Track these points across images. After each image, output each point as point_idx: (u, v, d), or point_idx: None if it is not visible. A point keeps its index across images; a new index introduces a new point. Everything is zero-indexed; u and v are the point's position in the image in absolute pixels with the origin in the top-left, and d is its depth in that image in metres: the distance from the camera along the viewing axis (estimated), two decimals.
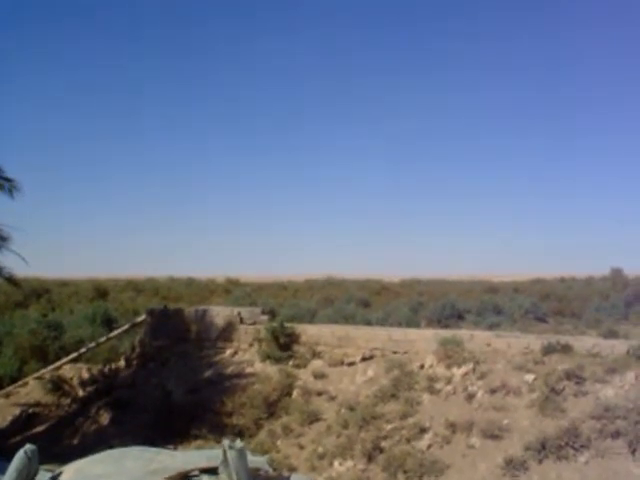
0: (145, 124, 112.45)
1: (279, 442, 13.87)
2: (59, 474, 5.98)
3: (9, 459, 5.92)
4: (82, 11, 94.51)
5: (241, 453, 5.52)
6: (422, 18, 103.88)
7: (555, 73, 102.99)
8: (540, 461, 10.87)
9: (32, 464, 5.79)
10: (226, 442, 5.60)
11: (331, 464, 12.56)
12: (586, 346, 13.64)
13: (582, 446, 10.76)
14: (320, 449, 13.07)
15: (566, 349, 13.43)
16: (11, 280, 15.36)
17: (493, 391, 12.81)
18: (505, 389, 12.72)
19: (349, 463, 12.34)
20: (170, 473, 5.57)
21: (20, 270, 15.49)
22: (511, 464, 10.88)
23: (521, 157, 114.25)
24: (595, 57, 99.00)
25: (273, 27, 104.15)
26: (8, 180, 14.61)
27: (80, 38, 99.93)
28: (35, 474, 5.88)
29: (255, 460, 6.20)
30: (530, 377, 12.74)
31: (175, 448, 13.42)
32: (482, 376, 13.35)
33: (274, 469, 7.07)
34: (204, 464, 5.78)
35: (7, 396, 18.75)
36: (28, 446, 5.87)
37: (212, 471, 5.68)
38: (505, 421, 11.91)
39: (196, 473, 5.71)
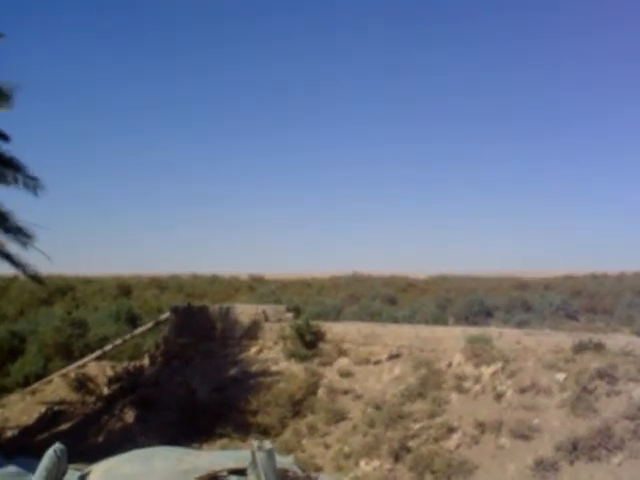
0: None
1: (304, 441, 13.79)
2: (88, 473, 5.95)
3: (36, 456, 5.90)
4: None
5: (270, 454, 5.45)
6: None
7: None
8: (571, 462, 10.67)
9: (61, 463, 5.76)
10: (255, 443, 5.53)
11: (357, 464, 12.46)
12: (619, 344, 13.34)
13: (615, 447, 10.54)
14: (346, 448, 12.97)
15: (598, 347, 13.13)
16: (35, 278, 15.45)
17: (523, 390, 12.58)
18: (535, 388, 12.48)
19: (375, 463, 12.22)
20: (200, 473, 5.52)
21: (44, 268, 15.63)
22: (541, 465, 10.71)
23: (553, 156, 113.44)
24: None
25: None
26: (33, 179, 14.75)
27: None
28: (64, 473, 5.86)
29: (283, 461, 6.13)
30: (561, 376, 12.48)
31: (200, 447, 13.41)
32: (511, 375, 13.12)
33: (303, 470, 6.97)
34: (232, 465, 5.72)
35: (33, 393, 18.89)
36: (57, 445, 5.84)
37: (241, 472, 5.61)
38: (535, 421, 11.70)
39: (224, 474, 5.64)
